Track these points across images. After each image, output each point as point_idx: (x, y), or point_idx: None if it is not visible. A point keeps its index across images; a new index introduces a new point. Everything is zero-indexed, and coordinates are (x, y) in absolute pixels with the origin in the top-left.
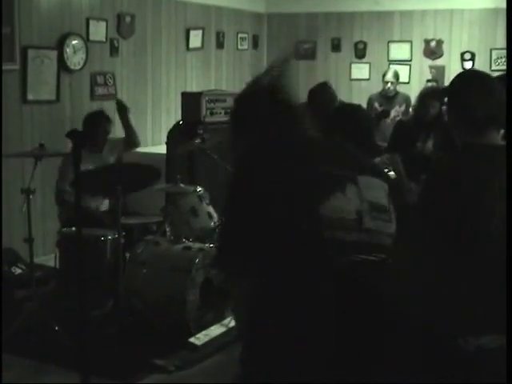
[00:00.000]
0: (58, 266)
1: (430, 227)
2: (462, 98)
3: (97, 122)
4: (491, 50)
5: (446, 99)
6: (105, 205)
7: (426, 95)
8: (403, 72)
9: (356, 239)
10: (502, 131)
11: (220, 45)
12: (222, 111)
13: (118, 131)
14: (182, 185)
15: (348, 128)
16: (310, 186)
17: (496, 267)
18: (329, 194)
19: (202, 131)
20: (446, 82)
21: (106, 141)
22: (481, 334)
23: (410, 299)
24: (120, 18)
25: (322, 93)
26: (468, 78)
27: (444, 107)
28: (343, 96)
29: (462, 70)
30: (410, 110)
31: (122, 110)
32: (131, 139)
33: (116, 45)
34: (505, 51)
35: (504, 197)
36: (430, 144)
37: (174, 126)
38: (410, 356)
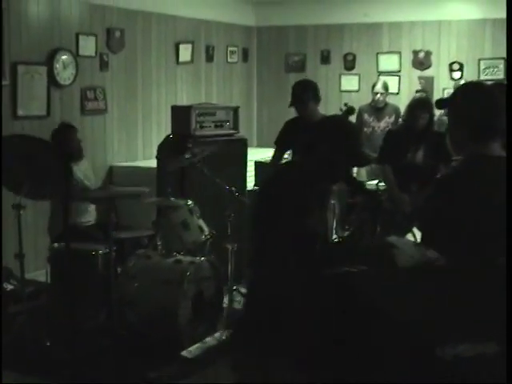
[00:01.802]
0: (49, 282)
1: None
2: (465, 109)
3: (66, 135)
4: (479, 60)
5: (447, 111)
6: (93, 218)
7: (416, 105)
8: (392, 83)
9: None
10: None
11: (210, 58)
12: (212, 124)
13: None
14: (172, 198)
15: (335, 141)
16: None
17: (479, 277)
18: None
19: (191, 145)
20: (435, 93)
21: (76, 149)
22: (457, 343)
23: (389, 310)
24: (109, 32)
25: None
26: (470, 89)
27: (435, 117)
28: (333, 107)
29: (450, 81)
30: (400, 120)
31: None
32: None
33: (106, 59)
34: (492, 61)
35: (504, 208)
36: (420, 154)
37: (165, 139)
38: (388, 365)
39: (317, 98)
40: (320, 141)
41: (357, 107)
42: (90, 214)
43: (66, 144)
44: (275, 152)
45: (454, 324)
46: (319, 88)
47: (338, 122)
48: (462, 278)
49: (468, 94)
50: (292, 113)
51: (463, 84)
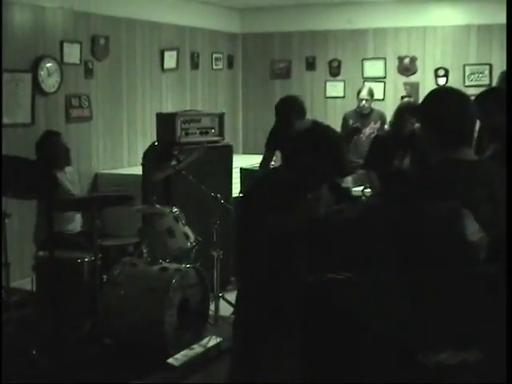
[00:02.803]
0: (35, 290)
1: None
2: (436, 114)
3: (50, 142)
4: (464, 66)
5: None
6: (78, 226)
7: (404, 110)
8: (378, 89)
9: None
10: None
11: (195, 65)
12: (197, 131)
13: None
14: (158, 206)
15: (318, 150)
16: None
17: (457, 283)
18: None
19: (177, 152)
20: (421, 99)
21: (62, 156)
22: (440, 350)
23: (372, 315)
24: (94, 40)
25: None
26: (441, 94)
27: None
28: (318, 114)
29: (436, 86)
30: (386, 126)
31: None
32: None
33: (91, 67)
34: (477, 67)
35: (480, 212)
36: (407, 160)
37: (150, 146)
38: (370, 372)
39: (303, 116)
40: (303, 150)
41: (342, 113)
42: (75, 222)
43: (50, 151)
44: (265, 154)
45: (436, 331)
46: (304, 102)
47: (323, 132)
48: (446, 285)
49: (439, 97)
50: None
51: (435, 88)
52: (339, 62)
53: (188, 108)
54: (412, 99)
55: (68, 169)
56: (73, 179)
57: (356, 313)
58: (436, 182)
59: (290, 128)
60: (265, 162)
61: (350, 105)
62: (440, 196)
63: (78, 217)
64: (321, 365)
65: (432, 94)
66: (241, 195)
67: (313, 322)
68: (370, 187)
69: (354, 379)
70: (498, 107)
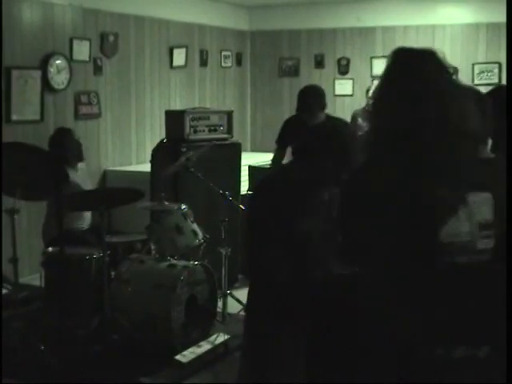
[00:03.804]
0: (43, 286)
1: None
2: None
3: (61, 138)
4: (473, 65)
5: None
6: (87, 223)
7: None
8: None
9: (467, 261)
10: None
11: (203, 62)
12: (206, 129)
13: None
14: (166, 203)
15: (328, 149)
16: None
17: (467, 278)
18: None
19: (185, 149)
20: None
21: (74, 152)
22: (452, 346)
23: (383, 312)
24: (103, 37)
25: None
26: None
27: None
28: (327, 112)
29: None
30: None
31: None
32: None
33: (99, 64)
34: (486, 65)
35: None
36: None
37: (158, 144)
38: (379, 366)
39: (324, 106)
40: (314, 148)
41: (351, 112)
42: (84, 219)
43: (61, 148)
44: (276, 151)
45: (447, 326)
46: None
47: (334, 131)
48: (458, 280)
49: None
50: (286, 116)
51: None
52: (348, 60)
53: (196, 105)
54: None
55: (80, 165)
56: (84, 177)
57: (365, 307)
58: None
59: (314, 119)
60: (276, 161)
61: (359, 103)
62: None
63: (88, 214)
64: (325, 364)
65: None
66: (252, 191)
67: (317, 320)
68: None
69: (360, 379)
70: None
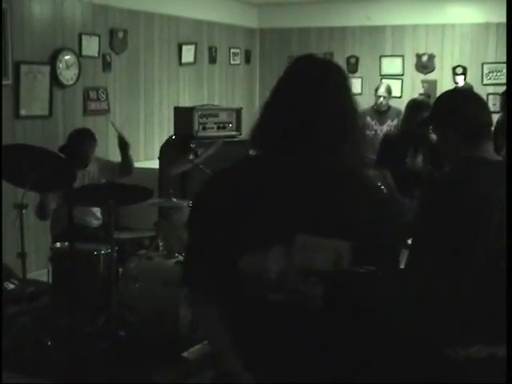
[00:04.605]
0: (50, 281)
1: (430, 240)
2: (461, 111)
3: (83, 138)
4: (483, 64)
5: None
6: (97, 220)
7: (413, 108)
8: (395, 86)
9: (280, 298)
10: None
11: (212, 60)
12: (215, 126)
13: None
14: (174, 199)
15: None
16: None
17: (485, 279)
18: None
19: (194, 146)
20: None
21: (89, 157)
22: (469, 344)
23: (398, 310)
24: (112, 33)
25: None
26: (460, 93)
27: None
28: None
29: (454, 85)
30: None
31: (123, 145)
32: (126, 168)
33: (109, 60)
34: (496, 65)
35: (499, 210)
36: (419, 159)
37: (167, 140)
38: (398, 366)
39: None
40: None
41: (359, 110)
42: (93, 215)
43: (77, 149)
44: None
45: (466, 325)
46: None
47: None
48: (472, 279)
49: (460, 97)
50: None
51: (445, 91)
52: (357, 59)
53: (205, 102)
54: (429, 97)
55: (90, 166)
56: (93, 177)
57: (380, 306)
58: (463, 179)
59: None
60: None
61: (368, 102)
62: (467, 194)
63: (97, 210)
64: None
65: (444, 96)
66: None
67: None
68: (384, 185)
69: (377, 375)
70: None
